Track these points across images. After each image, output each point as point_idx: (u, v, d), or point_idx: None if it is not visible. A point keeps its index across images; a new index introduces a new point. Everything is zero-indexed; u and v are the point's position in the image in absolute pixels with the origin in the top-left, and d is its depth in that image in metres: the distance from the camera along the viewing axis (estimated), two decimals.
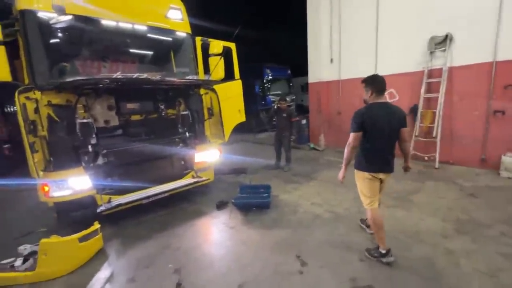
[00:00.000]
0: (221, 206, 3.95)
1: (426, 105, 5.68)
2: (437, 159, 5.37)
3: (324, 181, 4.97)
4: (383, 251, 2.52)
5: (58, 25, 3.13)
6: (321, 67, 7.59)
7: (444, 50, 5.31)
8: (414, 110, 5.82)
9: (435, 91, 5.51)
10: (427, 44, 5.52)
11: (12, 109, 8.32)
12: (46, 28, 3.14)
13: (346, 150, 2.52)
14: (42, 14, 3.08)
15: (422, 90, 5.60)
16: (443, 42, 5.32)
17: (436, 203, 3.78)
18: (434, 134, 5.40)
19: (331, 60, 7.38)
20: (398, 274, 2.37)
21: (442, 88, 5.33)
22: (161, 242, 3.07)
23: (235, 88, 4.87)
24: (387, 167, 2.50)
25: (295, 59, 11.55)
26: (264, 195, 4.07)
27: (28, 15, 3.00)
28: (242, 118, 4.93)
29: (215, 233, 3.36)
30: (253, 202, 3.90)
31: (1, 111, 7.19)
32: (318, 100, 7.81)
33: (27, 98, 2.89)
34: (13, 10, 3.35)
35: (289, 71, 13.19)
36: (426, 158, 5.69)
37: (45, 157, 3.07)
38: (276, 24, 13.56)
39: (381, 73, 6.21)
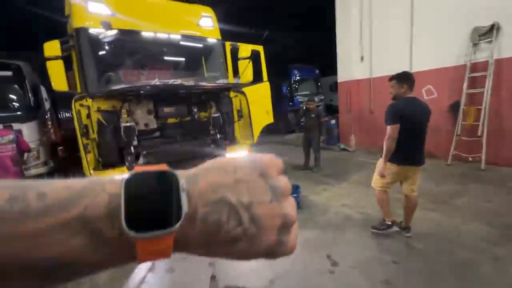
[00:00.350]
0: None
1: (469, 101, 5.25)
2: (483, 160, 4.93)
3: (355, 182, 4.85)
4: (389, 223, 2.87)
5: (105, 39, 3.51)
6: (351, 65, 7.39)
7: (490, 41, 4.87)
8: (455, 107, 5.42)
9: (479, 86, 5.07)
10: (470, 35, 5.10)
11: (64, 115, 9.35)
12: (95, 43, 3.53)
13: (386, 143, 2.59)
14: (92, 31, 3.47)
15: (465, 85, 5.19)
16: (488, 32, 4.88)
17: (481, 207, 3.49)
18: (479, 133, 4.97)
19: (362, 58, 7.15)
20: (437, 278, 2.25)
21: (488, 83, 4.89)
22: None
23: (263, 90, 4.96)
24: (418, 161, 2.65)
25: (323, 58, 11.36)
26: (294, 195, 4.08)
27: (82, 32, 3.40)
28: (270, 119, 5.01)
29: None
30: None
31: (56, 118, 8.12)
32: (348, 99, 7.61)
33: (81, 105, 3.27)
34: (68, 29, 3.83)
35: (317, 71, 12.99)
36: (470, 159, 5.26)
37: (95, 158, 3.45)
38: (304, 23, 13.44)
39: (417, 69, 5.99)
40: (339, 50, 7.69)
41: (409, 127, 2.52)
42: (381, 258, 2.58)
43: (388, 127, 2.57)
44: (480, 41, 5.02)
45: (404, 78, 2.67)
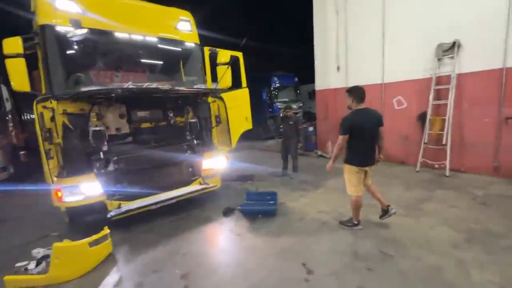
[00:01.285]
0: (227, 212, 3.97)
1: (435, 112, 5.62)
2: (447, 167, 5.27)
3: (332, 188, 4.94)
4: (356, 222, 3.32)
5: (74, 38, 3.32)
6: (328, 75, 7.64)
7: (452, 57, 5.27)
8: (422, 117, 5.76)
9: (443, 98, 5.45)
10: (435, 51, 5.49)
11: (28, 117, 8.69)
12: (63, 41, 3.32)
13: (335, 149, 3.11)
14: (60, 28, 3.26)
15: (431, 97, 5.55)
16: (450, 49, 5.29)
17: (446, 212, 3.70)
18: (444, 142, 5.31)
19: (338, 68, 7.41)
20: (407, 284, 2.32)
21: (451, 95, 5.27)
22: (169, 248, 3.11)
23: (242, 96, 4.95)
24: (371, 161, 3.16)
25: (302, 66, 11.65)
26: (271, 202, 4.08)
27: (48, 29, 3.18)
28: (249, 125, 4.99)
29: (222, 240, 3.38)
30: (259, 209, 3.91)
31: (18, 120, 7.51)
32: (326, 107, 7.82)
33: (44, 107, 3.04)
34: (33, 25, 3.57)
35: (296, 79, 13.29)
36: (436, 166, 5.59)
37: (59, 164, 3.20)
38: (283, 32, 13.77)
39: (388, 80, 6.30)
40: (317, 60, 7.92)
41: (361, 135, 2.99)
42: (355, 265, 2.62)
43: (339, 137, 3.06)
44: (444, 56, 5.41)
45: (352, 92, 3.09)
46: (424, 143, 5.63)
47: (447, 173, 5.25)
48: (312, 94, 14.25)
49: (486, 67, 4.95)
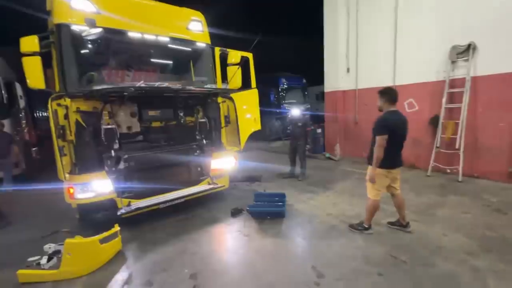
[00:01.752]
0: (236, 213, 3.96)
1: (448, 115, 5.50)
2: (460, 172, 5.14)
3: (340, 191, 4.88)
4: (367, 226, 3.24)
5: (89, 37, 3.34)
6: (337, 76, 7.57)
7: (467, 60, 5.16)
8: (434, 120, 5.65)
9: (457, 101, 5.33)
10: (448, 53, 5.39)
11: (40, 115, 8.88)
12: (78, 40, 3.36)
13: (377, 151, 2.89)
14: (75, 27, 3.31)
15: (444, 100, 5.44)
16: (465, 51, 5.17)
17: (460, 218, 3.60)
18: (457, 146, 5.20)
19: (348, 70, 7.35)
20: None
21: (465, 98, 5.15)
22: (178, 247, 3.11)
23: (252, 96, 4.94)
24: (399, 163, 3.10)
25: (311, 68, 11.60)
26: (279, 203, 4.05)
27: (63, 28, 3.24)
28: (257, 126, 4.98)
29: (230, 240, 3.37)
30: (267, 211, 3.89)
31: (31, 117, 7.68)
32: (334, 109, 7.75)
33: (59, 104, 3.08)
34: (49, 24, 3.64)
35: (304, 80, 13.26)
36: (448, 171, 5.47)
37: (72, 161, 3.24)
38: (293, 34, 13.75)
39: (399, 82, 6.20)
40: (326, 62, 7.87)
41: (395, 136, 2.89)
42: (366, 270, 2.57)
43: (377, 138, 2.88)
44: (458, 59, 5.30)
45: (384, 92, 3.06)
46: (436, 147, 5.51)
47: (460, 178, 5.12)
48: (320, 96, 14.21)
49: (502, 70, 4.83)
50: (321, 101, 12.66)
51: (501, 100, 4.89)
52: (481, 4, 4.97)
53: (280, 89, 12.13)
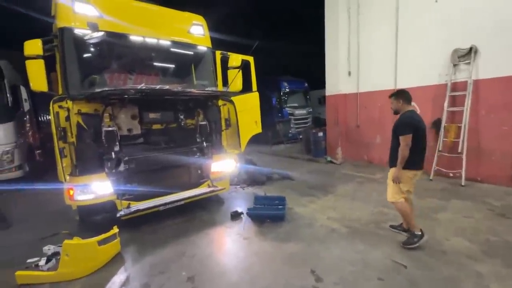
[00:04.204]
0: (235, 216, 3.94)
1: (450, 119, 5.46)
2: (463, 176, 5.08)
3: (341, 195, 4.84)
4: (419, 233, 2.92)
5: (91, 41, 3.42)
6: (338, 80, 7.57)
7: (469, 63, 5.13)
8: (437, 124, 5.61)
9: (459, 105, 5.29)
10: (450, 56, 5.37)
11: (44, 118, 8.98)
12: (80, 43, 3.43)
13: (404, 151, 2.81)
14: (78, 31, 3.37)
15: (446, 103, 5.40)
16: (467, 54, 5.15)
17: (462, 222, 3.55)
18: (459, 150, 5.14)
19: (349, 73, 7.35)
20: None
21: (467, 102, 5.11)
22: (176, 249, 3.10)
23: (252, 100, 4.96)
24: (423, 163, 2.98)
25: (312, 72, 11.62)
26: (279, 207, 4.03)
27: (66, 32, 3.29)
28: (258, 129, 4.99)
29: (229, 243, 3.35)
30: (267, 214, 3.87)
31: (35, 120, 7.77)
32: (336, 113, 7.74)
33: (60, 106, 3.12)
34: (53, 28, 3.71)
35: (306, 84, 13.27)
36: (451, 175, 5.41)
37: (72, 163, 3.26)
38: (294, 38, 13.80)
39: (401, 86, 6.18)
40: (327, 65, 7.88)
41: (419, 135, 2.85)
42: (366, 274, 2.54)
43: (401, 137, 2.82)
44: (460, 62, 5.27)
45: (399, 94, 3.04)
46: (439, 150, 5.46)
47: (463, 182, 5.06)
48: (321, 99, 14.20)
49: (504, 73, 4.79)
50: (323, 105, 12.65)
51: (504, 103, 4.84)
52: (482, 7, 4.96)
53: (282, 93, 12.15)
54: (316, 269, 2.62)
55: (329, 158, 7.71)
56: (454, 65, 5.35)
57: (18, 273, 2.52)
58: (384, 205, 4.21)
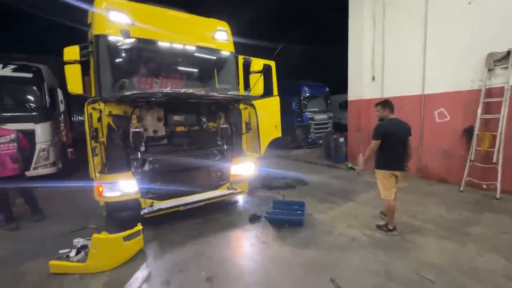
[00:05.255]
0: (253, 219, 3.95)
1: (484, 127, 5.11)
2: (498, 188, 4.72)
3: (362, 203, 4.69)
4: (391, 228, 3.48)
5: (123, 47, 3.62)
6: (362, 85, 7.38)
7: (506, 67, 4.79)
8: (469, 131, 5.28)
9: (494, 112, 4.94)
10: (485, 60, 5.04)
11: (76, 119, 9.59)
12: (113, 49, 3.64)
13: (368, 151, 3.41)
14: (111, 38, 3.59)
15: (479, 110, 5.08)
16: (504, 58, 4.81)
17: (497, 238, 3.29)
18: (494, 160, 4.79)
19: (373, 78, 7.15)
20: None
21: (504, 109, 4.76)
22: (195, 249, 3.16)
23: (273, 104, 4.97)
24: (402, 166, 3.43)
25: (334, 76, 11.45)
26: (298, 212, 3.98)
27: (101, 38, 3.52)
28: (278, 133, 4.98)
29: (247, 246, 3.36)
30: (286, 219, 3.83)
31: (69, 120, 8.33)
32: (358, 118, 7.54)
33: (93, 108, 3.33)
34: (88, 35, 3.98)
35: (327, 89, 13.06)
36: (484, 187, 5.05)
37: (102, 161, 3.46)
38: (317, 42, 13.69)
39: (429, 91, 5.93)
40: (350, 69, 7.72)
41: (393, 141, 3.29)
42: (389, 286, 2.43)
43: (372, 141, 3.36)
44: (496, 67, 4.94)
45: (385, 104, 3.48)
46: (471, 160, 5.12)
47: (498, 195, 4.69)
48: (343, 104, 13.90)
49: None
50: (344, 110, 12.39)
51: None
52: None
53: (302, 97, 12.06)
54: (336, 278, 2.55)
55: (350, 165, 7.51)
56: (489, 70, 5.02)
57: (51, 262, 2.70)
58: (410, 215, 4.03)
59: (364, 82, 7.32)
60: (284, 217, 3.89)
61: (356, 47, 7.43)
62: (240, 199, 4.89)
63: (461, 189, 5.15)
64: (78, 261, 2.78)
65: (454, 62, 5.53)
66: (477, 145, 5.10)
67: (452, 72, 5.57)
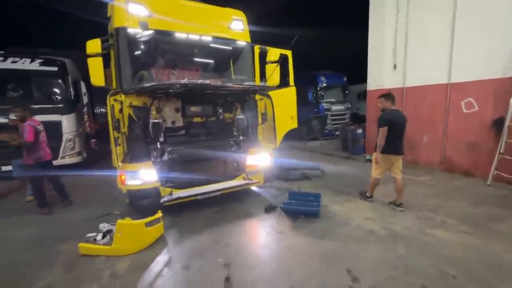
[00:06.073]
0: (269, 209, 3.99)
1: None
2: None
3: (381, 195, 4.57)
4: (369, 195, 4.29)
5: (142, 39, 3.68)
6: (382, 74, 7.09)
7: None
8: (498, 123, 4.96)
9: None
10: None
11: (99, 111, 9.98)
12: (133, 42, 3.72)
13: (380, 139, 3.79)
14: (131, 30, 3.66)
15: (511, 100, 4.74)
16: None
17: None
18: None
19: (395, 66, 6.84)
20: None
21: None
22: (213, 237, 3.25)
23: (289, 94, 4.91)
24: (400, 151, 3.87)
25: (353, 65, 11.06)
26: (314, 203, 3.96)
27: (121, 31, 3.60)
28: (294, 124, 4.94)
29: (263, 236, 3.41)
30: (302, 209, 3.83)
31: (92, 112, 8.69)
32: (378, 109, 7.27)
33: (115, 100, 3.45)
34: (108, 29, 4.08)
35: (345, 78, 12.66)
36: None
37: (124, 151, 3.60)
38: (335, 30, 13.22)
39: (456, 80, 5.61)
40: (370, 58, 7.42)
41: (394, 129, 3.73)
42: (407, 280, 2.39)
43: (380, 129, 3.76)
44: None
45: (389, 96, 3.94)
46: (500, 153, 4.83)
47: None
48: (361, 95, 13.46)
49: None
50: (362, 100, 12.00)
51: None
52: None
53: (318, 87, 11.78)
54: (352, 269, 2.54)
55: (368, 157, 7.32)
56: None
57: (80, 245, 2.90)
58: (430, 209, 3.90)
59: (385, 71, 7.03)
60: (300, 207, 3.89)
61: (378, 35, 7.10)
62: (256, 189, 4.94)
63: (488, 183, 4.89)
64: (104, 244, 2.95)
65: (485, 49, 5.16)
66: (508, 137, 4.78)
67: (482, 59, 5.21)
